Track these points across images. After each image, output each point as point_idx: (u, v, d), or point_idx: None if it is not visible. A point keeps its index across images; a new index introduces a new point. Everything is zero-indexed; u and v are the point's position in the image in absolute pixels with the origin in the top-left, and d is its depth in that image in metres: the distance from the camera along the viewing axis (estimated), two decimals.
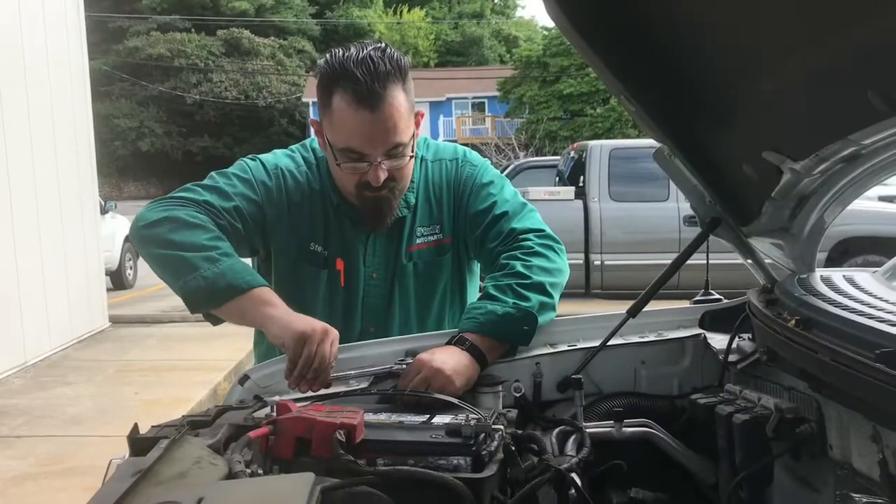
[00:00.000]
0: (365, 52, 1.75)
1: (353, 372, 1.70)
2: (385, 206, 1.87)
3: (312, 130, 1.96)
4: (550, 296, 1.81)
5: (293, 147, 2.04)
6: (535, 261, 1.84)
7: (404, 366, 1.67)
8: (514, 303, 1.75)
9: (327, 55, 1.80)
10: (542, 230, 1.93)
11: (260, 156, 1.98)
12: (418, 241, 1.98)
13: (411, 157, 1.85)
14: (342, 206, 1.93)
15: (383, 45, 1.80)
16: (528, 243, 1.88)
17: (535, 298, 1.78)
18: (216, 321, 1.78)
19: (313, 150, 2.00)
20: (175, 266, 1.72)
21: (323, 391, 1.62)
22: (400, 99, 1.76)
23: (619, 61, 1.34)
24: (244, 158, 1.98)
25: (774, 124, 1.37)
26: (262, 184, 1.90)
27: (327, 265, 1.95)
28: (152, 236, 1.76)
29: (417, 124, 1.86)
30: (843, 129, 1.24)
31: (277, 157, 1.99)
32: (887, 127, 1.18)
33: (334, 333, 1.62)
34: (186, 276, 1.69)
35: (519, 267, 1.82)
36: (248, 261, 1.89)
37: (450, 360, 1.64)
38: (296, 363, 1.58)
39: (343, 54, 1.76)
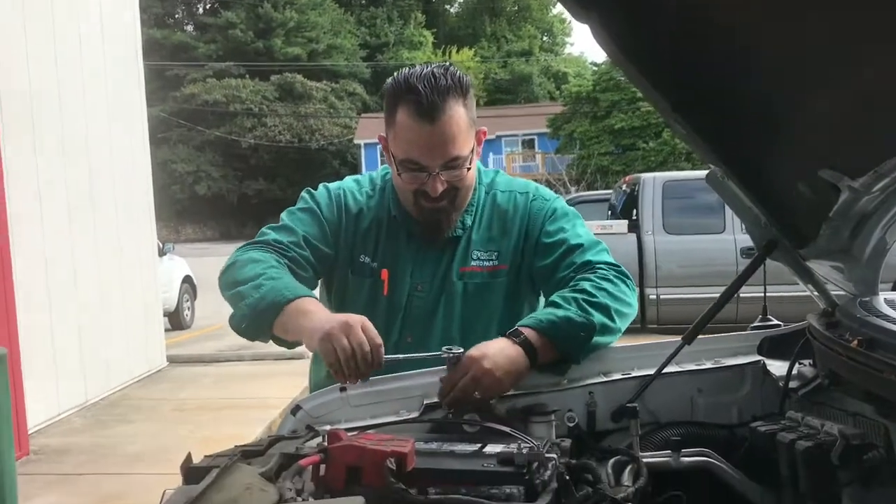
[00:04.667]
0: (428, 69, 1.86)
1: (401, 357, 1.69)
2: (443, 217, 1.94)
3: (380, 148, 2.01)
4: (613, 321, 1.80)
5: (365, 173, 2.15)
6: (606, 285, 1.83)
7: (451, 355, 1.65)
8: (576, 311, 1.75)
9: (395, 73, 1.91)
10: (618, 266, 1.93)
11: (328, 183, 2.10)
12: (473, 263, 2.00)
13: (469, 169, 1.90)
14: (400, 217, 2.00)
15: (447, 64, 1.92)
16: (604, 272, 1.88)
17: (599, 317, 1.76)
18: (290, 345, 1.82)
19: (382, 176, 2.09)
20: (232, 301, 1.81)
21: (375, 420, 1.61)
22: (460, 113, 1.84)
23: (668, 82, 1.33)
24: (308, 189, 2.09)
25: (830, 141, 1.34)
26: (323, 206, 2.01)
27: (373, 274, 1.99)
28: (222, 282, 1.90)
29: (479, 141, 1.95)
30: None
31: (343, 181, 2.11)
32: None
33: (358, 320, 1.61)
34: (236, 307, 1.79)
35: (587, 286, 1.82)
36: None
37: (499, 356, 1.64)
38: (335, 365, 1.58)
39: (408, 71, 1.88)
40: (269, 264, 1.83)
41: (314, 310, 1.71)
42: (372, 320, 1.93)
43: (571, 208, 2.07)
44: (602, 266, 1.90)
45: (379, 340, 1.60)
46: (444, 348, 1.68)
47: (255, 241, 1.95)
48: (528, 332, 1.70)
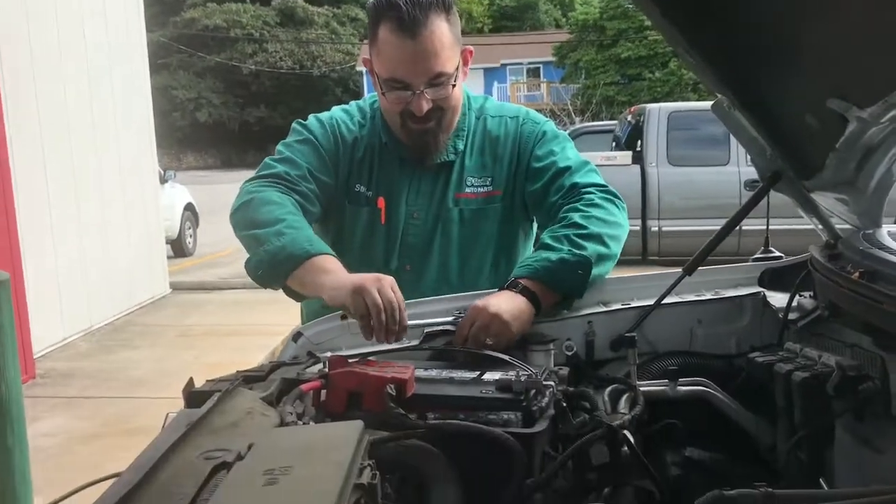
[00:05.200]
0: None
1: (420, 321, 1.67)
2: (430, 139, 1.92)
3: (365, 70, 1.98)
4: (608, 246, 1.80)
5: (352, 102, 2.12)
6: (594, 212, 1.83)
7: (460, 319, 1.66)
8: (568, 249, 1.75)
9: None
10: (605, 185, 1.93)
11: (317, 114, 2.07)
12: (468, 189, 1.99)
13: (454, 86, 1.87)
14: (391, 144, 1.98)
15: None
16: (590, 196, 1.88)
17: (592, 248, 1.76)
18: (298, 296, 1.81)
19: (371, 104, 2.06)
20: (249, 244, 1.80)
21: (375, 347, 1.61)
22: (443, 28, 1.81)
23: (677, 8, 1.30)
24: (298, 121, 2.06)
25: (839, 69, 1.31)
26: (319, 136, 1.99)
27: (369, 203, 1.99)
28: (236, 219, 1.88)
29: (465, 61, 1.92)
30: None
31: (333, 111, 2.08)
32: None
33: (388, 278, 1.60)
34: (253, 252, 1.77)
35: (577, 218, 1.81)
36: None
37: (505, 304, 1.64)
38: (366, 318, 1.56)
39: None
40: (288, 209, 1.81)
41: (335, 269, 1.69)
42: (370, 249, 1.96)
43: (562, 131, 2.06)
44: (589, 189, 1.89)
45: (404, 305, 1.59)
46: (456, 312, 1.69)
47: (263, 175, 1.92)
48: (525, 281, 1.70)
